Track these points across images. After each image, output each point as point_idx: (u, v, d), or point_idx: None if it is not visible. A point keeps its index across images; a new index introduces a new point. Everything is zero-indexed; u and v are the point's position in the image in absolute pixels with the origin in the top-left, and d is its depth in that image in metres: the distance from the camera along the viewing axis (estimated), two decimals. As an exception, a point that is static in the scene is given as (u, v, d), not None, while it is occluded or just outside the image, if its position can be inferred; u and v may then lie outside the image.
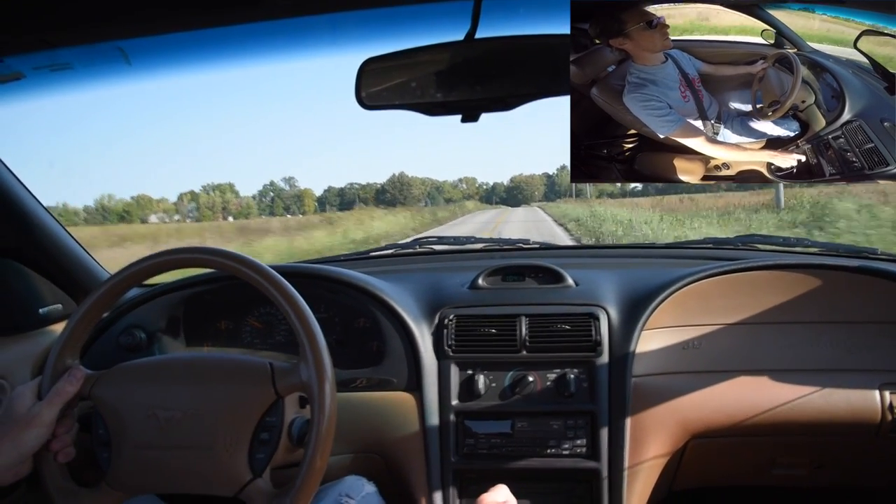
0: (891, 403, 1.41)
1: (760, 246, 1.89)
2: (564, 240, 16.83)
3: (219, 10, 0.93)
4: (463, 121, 1.04)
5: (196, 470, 1.06)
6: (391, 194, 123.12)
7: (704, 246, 1.96)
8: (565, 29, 0.93)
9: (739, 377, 1.46)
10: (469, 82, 0.99)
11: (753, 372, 1.47)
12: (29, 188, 1.51)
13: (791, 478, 1.63)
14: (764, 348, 1.50)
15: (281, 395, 1.08)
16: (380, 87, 1.00)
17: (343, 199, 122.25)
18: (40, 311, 1.58)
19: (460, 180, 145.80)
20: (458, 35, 0.94)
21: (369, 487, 1.36)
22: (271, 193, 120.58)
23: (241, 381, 1.09)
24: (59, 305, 1.63)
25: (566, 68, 0.94)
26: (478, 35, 0.94)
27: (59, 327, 1.60)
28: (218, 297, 1.64)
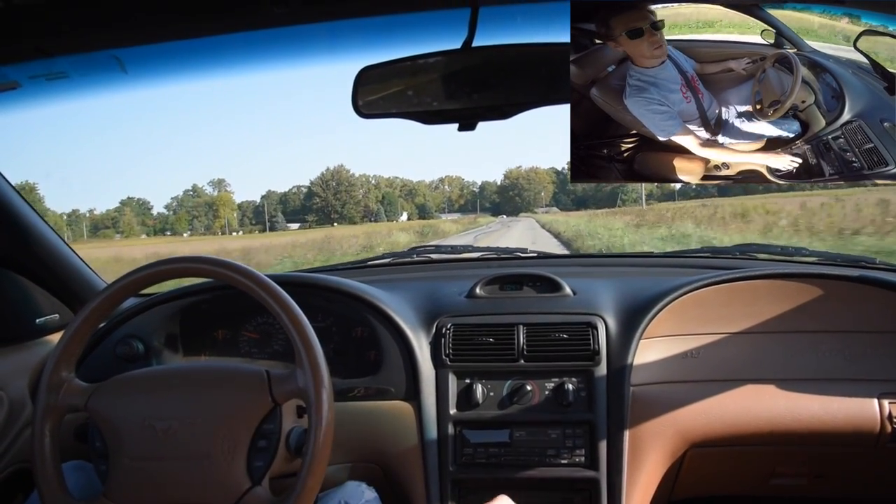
0: (890, 413, 1.40)
1: (758, 255, 1.89)
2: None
3: (216, 19, 0.93)
4: (460, 129, 1.04)
5: (194, 479, 1.05)
6: (321, 199, 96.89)
7: (702, 255, 1.96)
8: (563, 37, 0.93)
9: (738, 386, 1.46)
10: (466, 91, 0.99)
11: (752, 381, 1.47)
12: (25, 197, 1.51)
13: (791, 488, 1.62)
14: (763, 358, 1.49)
15: (278, 402, 1.08)
16: (376, 95, 1.01)
17: (286, 207, 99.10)
18: (37, 321, 1.57)
19: (441, 180, 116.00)
20: (455, 44, 0.95)
21: (369, 494, 1.35)
22: (193, 199, 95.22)
23: (237, 388, 1.09)
24: (56, 315, 1.62)
25: (563, 77, 0.94)
26: (475, 43, 0.94)
27: (55, 337, 1.59)
28: (215, 307, 1.63)
